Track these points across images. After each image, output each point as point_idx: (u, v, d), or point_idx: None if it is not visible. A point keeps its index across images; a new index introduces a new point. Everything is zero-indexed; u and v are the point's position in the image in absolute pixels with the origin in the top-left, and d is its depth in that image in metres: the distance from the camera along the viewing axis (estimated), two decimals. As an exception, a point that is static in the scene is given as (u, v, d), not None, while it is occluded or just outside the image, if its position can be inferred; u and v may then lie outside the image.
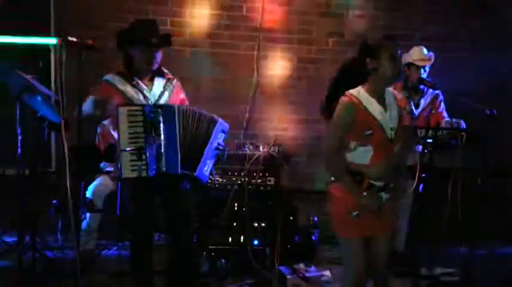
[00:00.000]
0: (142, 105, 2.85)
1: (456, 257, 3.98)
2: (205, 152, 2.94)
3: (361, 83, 2.48)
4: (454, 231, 3.70)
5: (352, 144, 2.44)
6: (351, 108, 2.41)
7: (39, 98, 3.33)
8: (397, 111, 2.52)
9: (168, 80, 3.05)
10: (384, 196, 2.48)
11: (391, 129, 2.46)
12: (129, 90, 2.91)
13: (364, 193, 2.41)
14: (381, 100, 2.48)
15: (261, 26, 4.77)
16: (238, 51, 4.80)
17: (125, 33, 2.91)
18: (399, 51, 2.46)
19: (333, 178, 2.53)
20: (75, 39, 2.50)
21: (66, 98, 2.99)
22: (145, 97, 2.93)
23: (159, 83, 3.00)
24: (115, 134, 4.02)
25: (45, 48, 4.49)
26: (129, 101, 2.88)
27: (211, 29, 4.78)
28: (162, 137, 2.84)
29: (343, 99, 2.43)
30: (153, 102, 2.93)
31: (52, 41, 2.49)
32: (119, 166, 2.81)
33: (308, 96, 4.75)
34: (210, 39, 4.77)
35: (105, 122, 4.07)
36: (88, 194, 3.84)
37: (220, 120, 3.02)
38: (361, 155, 2.44)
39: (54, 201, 3.76)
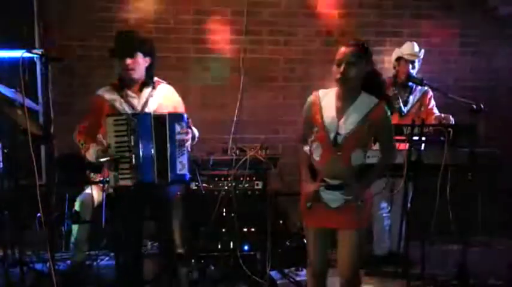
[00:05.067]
0: (127, 114, 2.87)
1: (450, 255, 3.93)
2: (169, 153, 2.87)
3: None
4: (445, 229, 3.67)
5: (311, 138, 2.60)
6: (309, 105, 2.61)
7: (19, 111, 3.31)
8: (358, 120, 2.46)
9: (154, 87, 3.01)
10: (338, 195, 2.50)
11: (338, 134, 2.48)
12: (117, 100, 2.94)
13: (312, 187, 2.53)
14: (347, 104, 2.50)
15: (247, 28, 4.74)
16: (225, 55, 4.77)
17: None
18: (358, 54, 2.44)
19: None
20: (39, 52, 2.49)
21: (53, 110, 2.99)
22: (132, 107, 2.95)
23: (146, 93, 2.99)
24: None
25: (32, 61, 4.50)
26: (116, 111, 2.90)
27: (196, 34, 4.76)
28: (140, 145, 2.85)
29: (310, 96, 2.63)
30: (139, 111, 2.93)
31: (18, 54, 2.46)
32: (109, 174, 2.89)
33: (297, 98, 4.70)
34: (195, 44, 4.75)
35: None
36: (76, 206, 3.79)
37: (166, 114, 2.89)
38: (315, 151, 2.57)
39: (39, 214, 3.73)
